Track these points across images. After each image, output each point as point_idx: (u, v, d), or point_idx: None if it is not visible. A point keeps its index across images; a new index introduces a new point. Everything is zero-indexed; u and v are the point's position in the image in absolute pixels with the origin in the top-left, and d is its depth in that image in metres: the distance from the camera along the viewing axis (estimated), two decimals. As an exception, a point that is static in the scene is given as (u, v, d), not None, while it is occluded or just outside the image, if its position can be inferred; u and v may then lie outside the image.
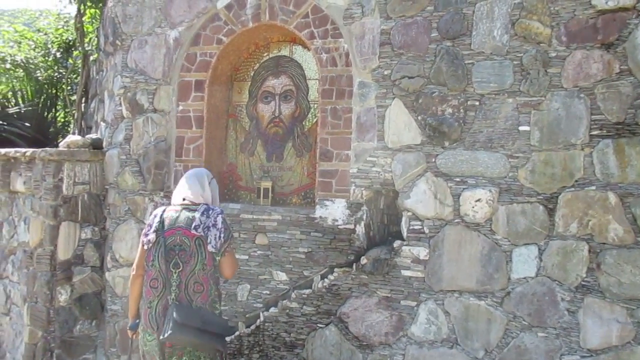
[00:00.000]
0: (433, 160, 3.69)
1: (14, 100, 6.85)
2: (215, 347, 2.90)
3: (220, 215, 2.98)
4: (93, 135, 5.08)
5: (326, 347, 3.92)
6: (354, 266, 3.84)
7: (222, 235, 2.94)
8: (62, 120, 8.00)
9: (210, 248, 2.92)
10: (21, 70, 7.96)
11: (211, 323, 2.87)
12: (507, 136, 3.52)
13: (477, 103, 3.59)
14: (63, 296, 4.63)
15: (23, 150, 4.94)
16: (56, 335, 4.61)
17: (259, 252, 4.15)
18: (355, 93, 3.93)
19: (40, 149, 4.68)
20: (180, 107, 4.46)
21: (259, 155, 4.58)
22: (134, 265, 3.07)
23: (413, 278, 3.70)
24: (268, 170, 4.51)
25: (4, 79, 7.59)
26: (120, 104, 4.69)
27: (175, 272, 2.90)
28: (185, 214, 2.98)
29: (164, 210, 3.05)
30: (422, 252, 3.68)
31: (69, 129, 7.88)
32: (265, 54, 4.59)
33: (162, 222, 2.98)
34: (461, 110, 3.62)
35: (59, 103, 7.72)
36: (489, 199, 3.53)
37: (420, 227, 3.70)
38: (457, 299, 3.60)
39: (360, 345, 3.83)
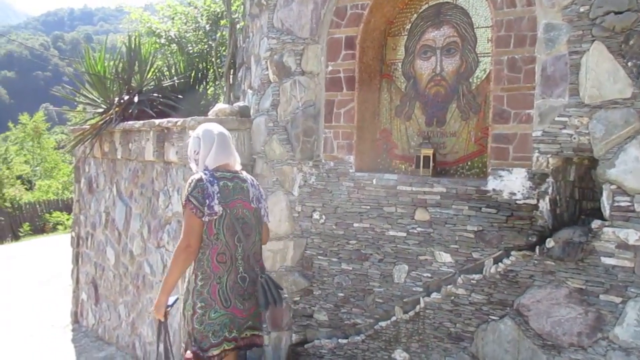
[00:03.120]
0: (650, 118, 2.86)
1: (168, 74, 7.02)
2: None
3: (259, 185, 3.21)
4: (240, 103, 4.89)
5: (500, 343, 3.32)
6: (537, 249, 3.17)
7: (266, 205, 3.18)
8: (212, 93, 8.11)
9: (265, 220, 3.12)
10: (174, 45, 8.17)
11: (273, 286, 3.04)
12: None
13: None
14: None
15: (174, 120, 4.89)
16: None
17: (418, 229, 3.64)
18: (539, 38, 3.20)
19: (189, 118, 4.59)
20: (330, 68, 4.05)
21: (416, 120, 4.02)
22: (190, 239, 2.87)
23: (618, 268, 2.94)
24: (428, 136, 3.94)
25: (159, 54, 7.84)
26: (267, 67, 4.41)
27: (239, 246, 2.96)
28: (239, 184, 3.01)
29: (213, 178, 2.92)
30: (631, 236, 2.90)
31: (219, 101, 7.95)
32: (424, 3, 3.98)
33: (220, 192, 2.91)
34: (694, 51, 2.75)
35: (209, 76, 7.80)
36: None
37: (629, 203, 2.91)
38: (683, 298, 2.79)
39: (544, 344, 3.18)
